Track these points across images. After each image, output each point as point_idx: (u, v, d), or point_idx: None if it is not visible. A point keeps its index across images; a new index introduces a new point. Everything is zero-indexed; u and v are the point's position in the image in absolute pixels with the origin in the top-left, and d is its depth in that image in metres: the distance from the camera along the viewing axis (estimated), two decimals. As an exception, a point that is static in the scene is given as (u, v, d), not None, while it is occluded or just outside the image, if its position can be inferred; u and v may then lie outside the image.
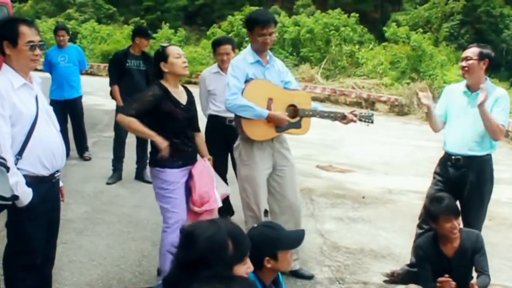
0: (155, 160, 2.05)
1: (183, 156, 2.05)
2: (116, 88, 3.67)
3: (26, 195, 1.56)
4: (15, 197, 1.52)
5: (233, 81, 2.15)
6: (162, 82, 2.05)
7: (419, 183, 3.77)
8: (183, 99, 2.08)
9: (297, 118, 2.21)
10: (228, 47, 2.90)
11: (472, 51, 2.15)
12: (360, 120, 2.29)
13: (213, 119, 2.88)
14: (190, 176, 2.09)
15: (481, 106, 2.07)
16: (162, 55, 2.04)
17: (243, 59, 2.21)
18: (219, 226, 1.01)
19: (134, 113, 1.96)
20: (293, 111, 2.20)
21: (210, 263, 0.95)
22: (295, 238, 1.51)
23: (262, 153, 2.21)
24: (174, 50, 2.03)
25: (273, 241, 1.42)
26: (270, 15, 2.24)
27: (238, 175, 2.31)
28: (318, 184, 4.05)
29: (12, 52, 1.60)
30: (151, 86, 2.05)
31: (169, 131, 2.01)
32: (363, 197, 3.74)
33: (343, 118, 2.23)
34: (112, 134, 3.97)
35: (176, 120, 2.01)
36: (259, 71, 2.20)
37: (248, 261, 1.05)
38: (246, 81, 2.17)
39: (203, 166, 2.12)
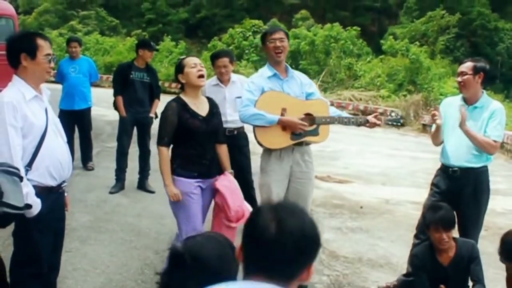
0: (172, 167, 2.05)
1: (198, 167, 2.04)
2: (119, 99, 3.75)
3: (35, 205, 1.60)
4: (28, 207, 1.54)
5: (247, 95, 2.21)
6: (181, 95, 2.07)
7: (416, 194, 3.83)
8: (203, 110, 2.07)
9: (314, 126, 2.21)
10: (225, 60, 2.98)
11: (467, 66, 2.22)
12: (387, 123, 2.30)
13: None
14: (213, 191, 2.08)
15: (462, 127, 2.13)
16: (179, 67, 2.06)
17: (260, 75, 2.29)
18: (221, 242, 1.02)
19: (167, 140, 2.00)
20: (310, 119, 2.20)
21: (221, 280, 0.94)
22: None
23: (280, 162, 2.22)
24: (189, 61, 2.05)
25: None
26: (279, 27, 2.38)
27: (258, 182, 2.37)
28: (317, 194, 4.08)
29: (29, 64, 1.64)
30: (168, 103, 2.05)
31: (187, 141, 2.01)
32: (361, 207, 3.79)
33: (366, 122, 2.22)
34: (114, 144, 4.03)
35: (193, 132, 2.00)
36: (277, 84, 2.24)
37: None
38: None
39: (229, 181, 2.11)
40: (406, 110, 9.00)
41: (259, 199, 2.42)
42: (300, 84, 2.30)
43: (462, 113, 2.15)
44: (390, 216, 3.65)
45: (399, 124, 2.31)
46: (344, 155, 5.79)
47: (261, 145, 2.23)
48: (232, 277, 0.98)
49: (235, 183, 2.15)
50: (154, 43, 3.94)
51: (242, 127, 2.90)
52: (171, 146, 2.08)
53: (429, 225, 1.97)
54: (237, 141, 2.89)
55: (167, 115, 2.00)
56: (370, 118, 2.22)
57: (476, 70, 2.20)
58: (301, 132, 2.17)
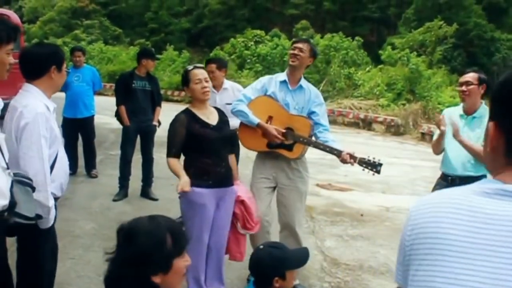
0: None
1: (214, 176, 2.01)
2: (122, 108, 3.79)
3: (53, 217, 1.62)
4: (39, 217, 1.55)
5: (246, 91, 2.33)
6: (190, 106, 2.09)
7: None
8: (213, 120, 2.07)
9: (291, 141, 2.26)
10: (212, 66, 3.20)
11: (472, 76, 2.29)
12: (361, 165, 2.13)
13: None
14: (234, 201, 2.08)
15: (457, 138, 2.20)
16: (185, 79, 2.06)
17: (271, 77, 2.39)
18: (158, 222, 1.05)
19: (175, 151, 1.98)
20: (289, 134, 2.26)
21: (151, 257, 0.99)
22: (301, 257, 1.58)
23: (262, 166, 2.31)
24: (194, 76, 2.02)
25: (282, 262, 1.50)
26: (307, 39, 2.46)
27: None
28: (318, 202, 4.13)
29: (56, 76, 1.67)
30: (176, 116, 2.05)
31: (201, 151, 2.00)
32: (362, 215, 3.82)
33: (339, 156, 2.15)
34: (118, 152, 4.07)
35: (206, 140, 1.99)
36: (282, 91, 2.29)
37: (186, 255, 1.06)
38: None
39: (247, 191, 2.14)
40: (406, 119, 9.10)
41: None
42: (308, 99, 2.32)
43: (454, 124, 2.22)
44: (391, 224, 3.68)
45: (374, 170, 2.09)
46: (344, 163, 5.84)
47: (241, 143, 2.32)
48: (161, 257, 1.00)
49: (250, 192, 2.20)
50: (153, 52, 3.98)
51: (234, 131, 3.03)
52: (185, 157, 2.06)
53: None
54: None
55: (174, 127, 2.00)
56: (345, 154, 2.13)
57: (480, 81, 2.28)
58: (275, 143, 2.22)
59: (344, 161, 2.15)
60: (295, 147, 2.27)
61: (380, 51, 12.97)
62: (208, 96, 2.07)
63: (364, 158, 2.16)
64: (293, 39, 2.47)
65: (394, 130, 9.20)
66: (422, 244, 0.61)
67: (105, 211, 3.52)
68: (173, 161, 2.00)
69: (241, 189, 2.16)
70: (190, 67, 2.10)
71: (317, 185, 4.76)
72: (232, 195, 2.10)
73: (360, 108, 10.25)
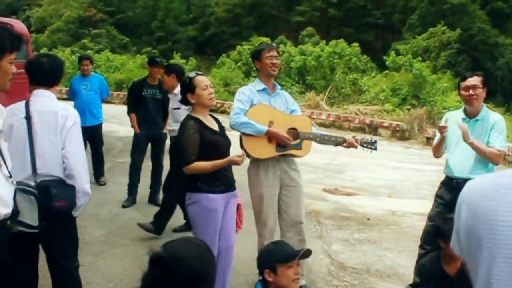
0: (195, 186, 1.99)
1: (225, 181, 2.04)
2: (133, 116, 3.85)
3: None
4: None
5: (237, 104, 2.32)
6: (192, 113, 2.06)
7: (421, 206, 3.87)
8: (215, 126, 2.09)
9: (298, 140, 2.33)
10: (161, 71, 3.66)
11: (479, 79, 2.30)
12: (362, 146, 2.36)
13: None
14: (235, 205, 2.12)
15: (467, 140, 2.20)
16: (188, 86, 2.03)
17: (250, 88, 2.41)
18: (198, 243, 1.07)
19: (194, 158, 1.95)
20: (294, 133, 2.32)
21: (207, 276, 1.01)
22: (291, 253, 1.57)
23: (267, 172, 2.32)
24: (201, 82, 2.02)
25: (271, 254, 1.55)
26: (275, 45, 2.55)
27: (250, 194, 2.42)
28: (324, 207, 4.14)
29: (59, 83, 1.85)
30: (185, 123, 2.02)
31: (212, 157, 1.99)
32: (368, 219, 3.83)
33: (343, 142, 2.34)
34: (125, 159, 4.16)
35: (218, 147, 2.01)
36: (265, 98, 2.36)
37: None
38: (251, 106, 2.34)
39: (239, 195, 2.17)
40: (411, 124, 9.07)
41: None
42: (285, 101, 2.44)
43: (462, 127, 2.23)
44: (397, 228, 3.67)
45: (373, 148, 2.35)
46: (350, 168, 5.84)
47: (247, 154, 2.28)
48: (211, 277, 1.04)
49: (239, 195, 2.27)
50: (161, 59, 3.99)
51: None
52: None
53: (445, 236, 1.96)
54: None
55: (189, 134, 1.97)
56: (348, 138, 2.36)
57: (484, 84, 2.31)
58: (285, 145, 2.28)
59: (349, 146, 2.34)
60: (303, 144, 2.35)
61: (385, 57, 12.98)
62: (215, 102, 2.11)
63: (363, 139, 2.42)
64: (264, 48, 2.40)
65: (400, 135, 9.17)
66: (479, 231, 0.71)
67: (114, 218, 3.57)
68: (195, 163, 1.95)
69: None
70: (192, 74, 2.11)
71: (324, 190, 4.77)
72: (236, 199, 2.14)
73: (366, 113, 10.24)
